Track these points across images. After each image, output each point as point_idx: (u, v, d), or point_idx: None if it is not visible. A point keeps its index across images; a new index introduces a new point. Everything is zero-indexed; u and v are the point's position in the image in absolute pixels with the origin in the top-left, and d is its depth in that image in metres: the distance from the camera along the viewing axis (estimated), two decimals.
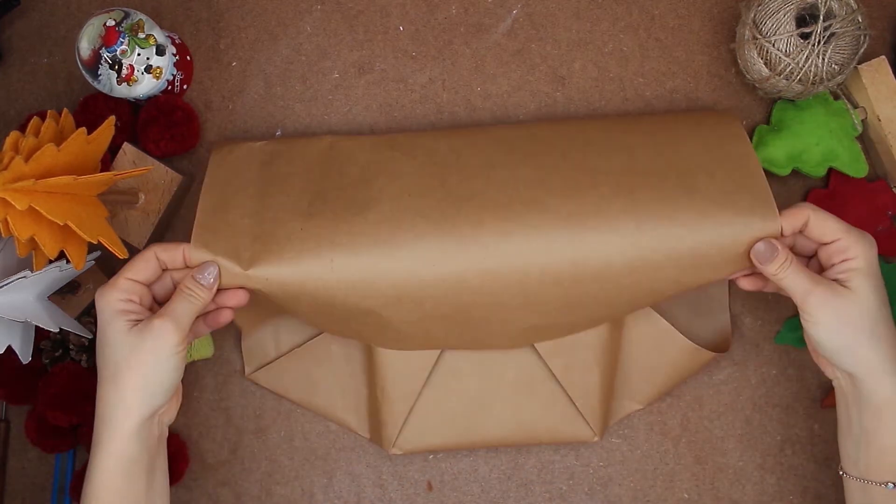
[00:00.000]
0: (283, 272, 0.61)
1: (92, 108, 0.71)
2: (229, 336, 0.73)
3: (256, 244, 0.62)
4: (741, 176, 0.62)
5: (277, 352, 0.72)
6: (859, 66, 0.69)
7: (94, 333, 0.70)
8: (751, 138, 0.72)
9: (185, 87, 0.73)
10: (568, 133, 0.67)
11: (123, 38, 0.66)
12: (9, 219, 0.55)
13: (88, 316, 0.71)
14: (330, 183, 0.65)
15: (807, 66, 0.65)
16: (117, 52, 0.66)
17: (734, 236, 0.60)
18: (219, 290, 0.61)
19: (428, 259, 0.61)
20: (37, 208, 0.55)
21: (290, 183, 0.65)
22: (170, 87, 0.71)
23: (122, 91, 0.67)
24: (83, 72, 0.67)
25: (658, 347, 0.70)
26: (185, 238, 0.73)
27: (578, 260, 0.60)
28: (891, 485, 0.58)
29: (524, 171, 0.63)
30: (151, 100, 0.71)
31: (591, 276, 0.61)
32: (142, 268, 0.60)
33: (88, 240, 0.59)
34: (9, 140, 0.57)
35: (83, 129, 0.59)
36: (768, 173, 0.71)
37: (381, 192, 0.63)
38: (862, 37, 0.66)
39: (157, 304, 0.62)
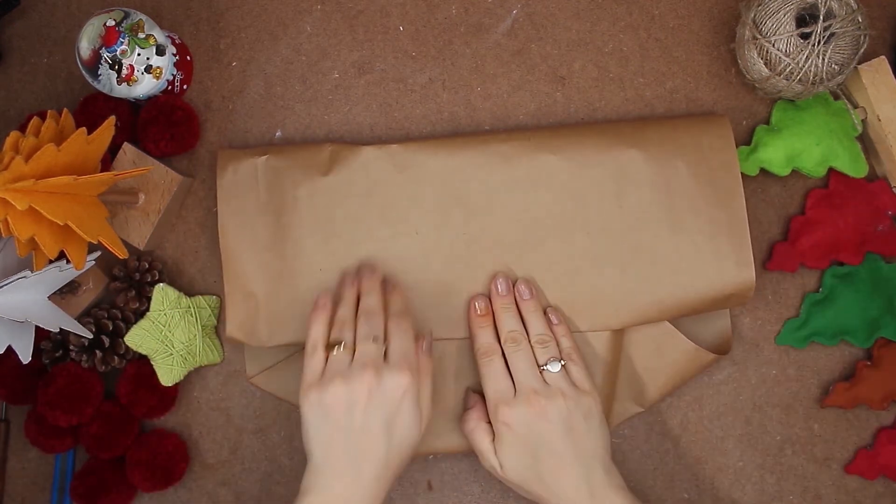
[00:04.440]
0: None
1: (92, 108, 0.71)
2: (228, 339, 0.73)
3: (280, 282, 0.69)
4: (726, 219, 0.67)
5: (279, 356, 0.72)
6: (859, 66, 0.69)
7: (94, 334, 0.70)
8: (751, 138, 0.72)
9: (185, 87, 0.73)
10: (563, 152, 0.68)
11: (123, 38, 0.66)
12: (9, 219, 0.55)
13: (88, 316, 0.71)
14: (339, 213, 0.69)
15: (807, 66, 0.65)
16: (117, 52, 0.66)
17: (711, 282, 0.67)
18: None
19: (436, 297, 0.68)
20: (37, 208, 0.55)
21: (300, 214, 0.69)
22: (170, 87, 0.71)
23: (122, 91, 0.67)
24: (83, 72, 0.67)
25: (659, 349, 0.70)
26: (185, 238, 0.73)
27: (567, 299, 0.68)
28: None
29: (524, 210, 0.68)
30: (151, 100, 0.71)
31: (580, 308, 0.68)
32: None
33: (88, 240, 0.59)
34: (9, 140, 0.57)
35: (83, 129, 0.59)
36: (768, 174, 0.71)
37: (392, 229, 0.69)
38: (862, 37, 0.66)
39: None
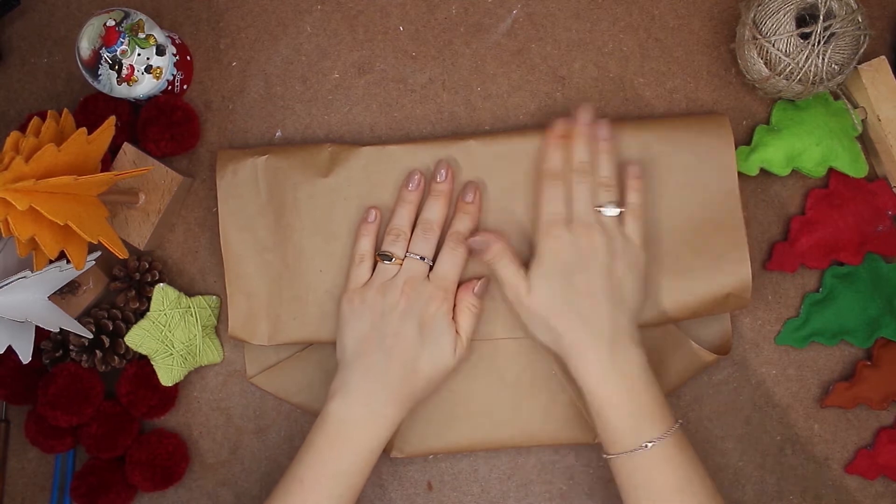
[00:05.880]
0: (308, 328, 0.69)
1: (92, 108, 0.71)
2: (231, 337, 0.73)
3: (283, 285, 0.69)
4: (724, 222, 0.67)
5: (279, 356, 0.72)
6: (859, 66, 0.69)
7: (94, 334, 0.70)
8: (751, 138, 0.72)
9: (185, 87, 0.73)
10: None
11: (123, 38, 0.66)
12: (9, 219, 0.55)
13: (88, 316, 0.71)
14: (339, 214, 0.68)
15: (807, 66, 0.65)
16: (117, 52, 0.66)
17: (709, 285, 0.67)
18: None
19: None
20: (37, 208, 0.55)
21: (300, 215, 0.69)
22: (170, 87, 0.71)
23: (122, 91, 0.67)
24: (83, 72, 0.67)
25: (659, 349, 0.70)
26: (185, 238, 0.74)
27: None
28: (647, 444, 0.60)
29: (523, 212, 0.67)
30: (151, 100, 0.71)
31: None
32: None
33: (89, 240, 0.59)
34: (9, 140, 0.57)
35: (83, 130, 0.59)
36: (768, 174, 0.71)
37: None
38: (862, 37, 0.66)
39: None
